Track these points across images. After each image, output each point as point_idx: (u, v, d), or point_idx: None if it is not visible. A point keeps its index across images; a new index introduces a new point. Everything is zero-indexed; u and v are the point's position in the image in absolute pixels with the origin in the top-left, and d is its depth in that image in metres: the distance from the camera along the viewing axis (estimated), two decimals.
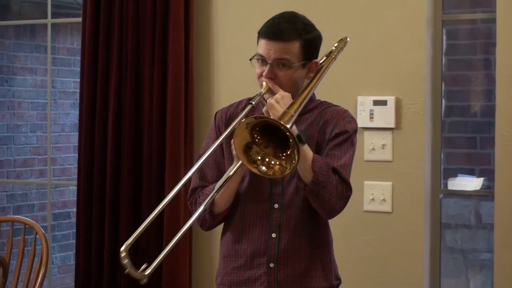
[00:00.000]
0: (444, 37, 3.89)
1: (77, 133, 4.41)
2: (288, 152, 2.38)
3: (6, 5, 6.33)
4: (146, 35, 4.15)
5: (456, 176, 4.54)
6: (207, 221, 2.71)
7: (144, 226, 2.39)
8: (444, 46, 3.90)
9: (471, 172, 4.62)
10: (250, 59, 2.67)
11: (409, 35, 3.75)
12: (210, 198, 2.56)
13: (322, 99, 2.79)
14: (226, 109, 2.81)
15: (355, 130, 2.72)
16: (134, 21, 4.17)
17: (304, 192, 2.58)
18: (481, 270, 4.77)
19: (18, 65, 6.54)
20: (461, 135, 4.68)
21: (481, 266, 4.75)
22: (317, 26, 2.71)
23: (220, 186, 2.57)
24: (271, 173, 2.40)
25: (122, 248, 2.33)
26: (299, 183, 2.57)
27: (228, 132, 2.54)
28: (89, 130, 4.28)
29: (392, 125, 3.76)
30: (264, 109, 2.56)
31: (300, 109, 2.52)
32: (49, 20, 4.92)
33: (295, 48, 2.61)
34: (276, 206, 2.66)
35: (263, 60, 2.63)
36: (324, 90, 3.66)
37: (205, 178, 2.73)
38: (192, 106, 4.13)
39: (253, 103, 2.60)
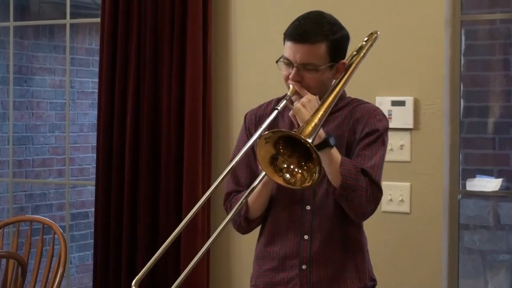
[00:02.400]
0: (463, 38, 3.87)
1: (95, 133, 4.43)
2: (311, 164, 2.33)
3: (25, 6, 6.36)
4: (164, 35, 4.15)
5: (474, 176, 4.53)
6: (243, 227, 2.69)
7: (159, 255, 2.36)
8: (463, 47, 3.88)
9: (489, 173, 4.61)
10: (276, 61, 2.61)
11: (427, 36, 3.73)
12: (235, 211, 2.51)
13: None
14: (256, 110, 2.78)
15: (386, 128, 2.66)
16: (152, 21, 4.18)
17: (334, 195, 2.53)
18: (499, 271, 4.75)
19: (36, 65, 6.57)
20: (479, 136, 4.67)
21: (500, 267, 4.73)
22: None
23: (245, 197, 2.54)
24: (293, 181, 2.36)
25: (133, 283, 2.32)
26: (328, 187, 2.53)
27: (256, 138, 2.46)
28: (107, 130, 4.29)
29: (411, 126, 3.75)
30: (290, 113, 2.53)
31: (326, 115, 2.46)
32: (67, 21, 4.93)
33: (321, 50, 2.55)
34: (308, 208, 2.63)
35: (289, 62, 2.58)
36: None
37: (238, 183, 2.71)
38: (210, 106, 4.13)
39: (279, 108, 2.53)
